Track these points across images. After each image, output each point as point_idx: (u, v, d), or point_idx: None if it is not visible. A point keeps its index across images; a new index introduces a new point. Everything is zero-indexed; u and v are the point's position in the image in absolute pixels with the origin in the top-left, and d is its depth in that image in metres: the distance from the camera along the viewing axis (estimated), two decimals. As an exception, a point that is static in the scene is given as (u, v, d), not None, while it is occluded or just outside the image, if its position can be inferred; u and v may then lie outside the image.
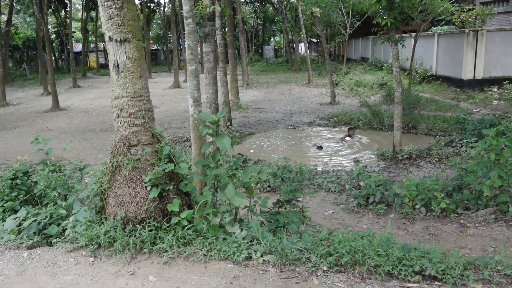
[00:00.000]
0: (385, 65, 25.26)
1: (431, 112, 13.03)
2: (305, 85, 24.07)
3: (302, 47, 47.04)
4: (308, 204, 6.53)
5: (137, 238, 3.67)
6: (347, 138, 10.83)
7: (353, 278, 3.15)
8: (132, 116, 3.90)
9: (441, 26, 23.67)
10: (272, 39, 64.65)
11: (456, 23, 20.08)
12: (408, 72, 16.92)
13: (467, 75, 16.84)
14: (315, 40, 53.86)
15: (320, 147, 10.42)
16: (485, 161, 5.55)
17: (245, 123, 13.71)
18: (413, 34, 14.89)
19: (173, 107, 18.00)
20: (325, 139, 11.48)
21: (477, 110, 13.60)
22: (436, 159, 8.67)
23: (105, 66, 44.25)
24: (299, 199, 4.79)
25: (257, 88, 23.66)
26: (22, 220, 4.15)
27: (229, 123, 12.83)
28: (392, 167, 8.56)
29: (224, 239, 3.66)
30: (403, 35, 15.78)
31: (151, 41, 50.48)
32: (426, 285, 3.05)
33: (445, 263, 3.19)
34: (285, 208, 4.68)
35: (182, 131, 12.64)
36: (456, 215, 5.65)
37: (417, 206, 5.89)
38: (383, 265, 3.19)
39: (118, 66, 3.84)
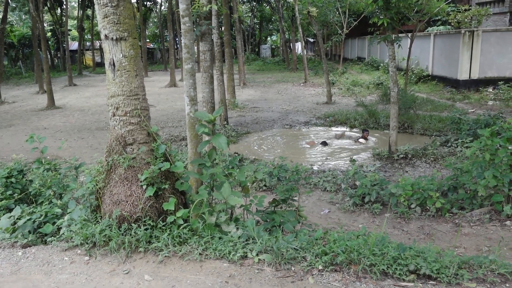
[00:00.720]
0: (382, 65, 25.34)
1: (426, 112, 13.08)
2: (302, 84, 24.09)
3: (298, 47, 47.12)
4: (304, 203, 6.54)
5: (132, 237, 3.66)
6: (361, 140, 10.80)
7: (348, 277, 3.16)
8: (128, 114, 3.89)
9: (437, 26, 23.77)
10: (268, 38, 64.67)
11: (452, 24, 20.14)
12: (404, 72, 16.98)
13: (462, 75, 16.92)
14: (311, 40, 53.91)
15: (325, 143, 10.43)
16: (480, 161, 5.58)
17: (241, 122, 13.70)
18: (410, 34, 14.96)
19: (169, 106, 17.96)
20: (344, 136, 11.48)
21: (472, 110, 13.66)
22: (431, 158, 8.71)
23: (101, 64, 44.12)
24: (295, 198, 4.80)
25: (253, 87, 23.65)
26: (17, 218, 4.13)
27: (225, 122, 12.82)
28: (387, 166, 8.59)
29: (219, 238, 3.66)
30: (400, 35, 15.77)
31: (148, 40, 50.37)
32: (420, 284, 3.06)
33: (440, 262, 3.20)
34: (281, 207, 4.68)
35: (178, 130, 12.63)
36: (451, 214, 5.68)
37: (412, 206, 5.91)
38: (378, 264, 3.20)
39: (114, 64, 3.83)
